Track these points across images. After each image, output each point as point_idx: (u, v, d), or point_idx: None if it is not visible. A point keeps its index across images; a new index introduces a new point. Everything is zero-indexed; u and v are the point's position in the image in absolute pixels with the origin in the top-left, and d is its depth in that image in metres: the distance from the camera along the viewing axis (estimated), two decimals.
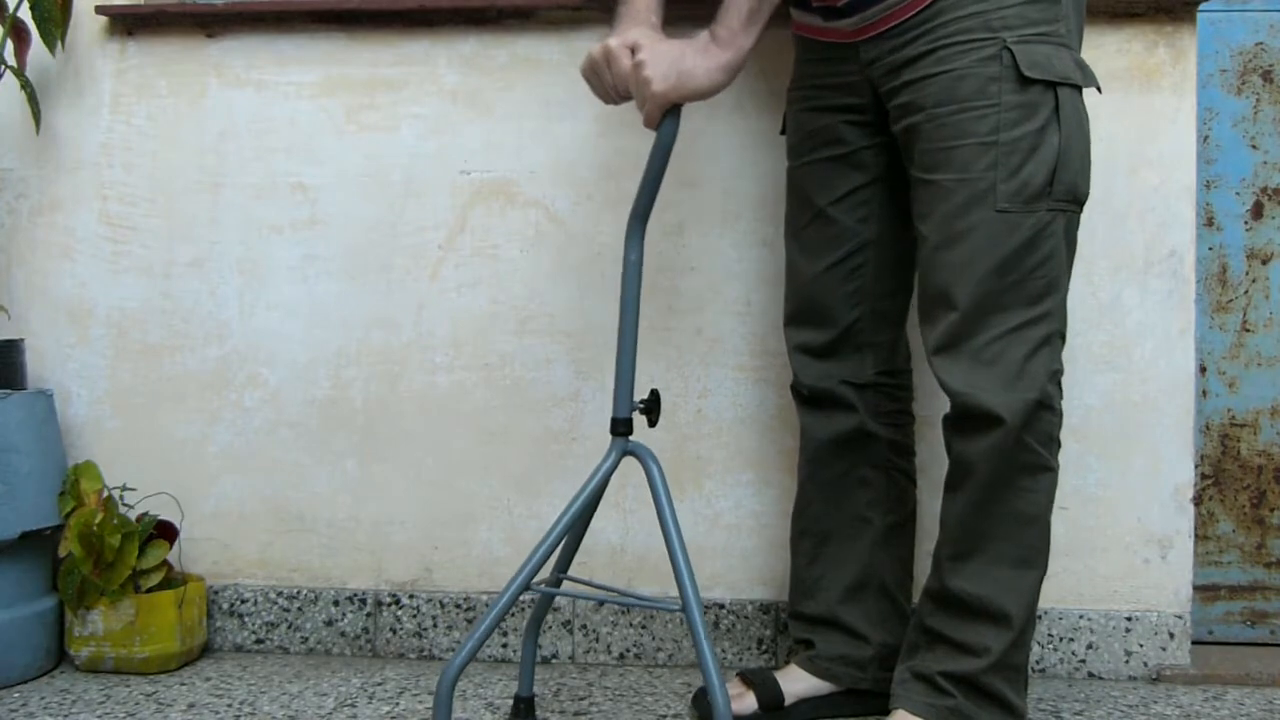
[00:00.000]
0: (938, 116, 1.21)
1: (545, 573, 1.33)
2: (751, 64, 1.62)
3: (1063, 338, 1.25)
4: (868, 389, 1.41)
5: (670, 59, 1.18)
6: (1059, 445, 1.25)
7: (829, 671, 1.42)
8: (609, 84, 1.25)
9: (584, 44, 1.60)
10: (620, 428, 1.27)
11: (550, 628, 1.67)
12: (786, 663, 1.48)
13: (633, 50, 1.20)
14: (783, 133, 1.47)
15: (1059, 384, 1.24)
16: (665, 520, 1.20)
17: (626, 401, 1.27)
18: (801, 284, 1.42)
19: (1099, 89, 1.27)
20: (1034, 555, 1.25)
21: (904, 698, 1.26)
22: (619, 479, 1.67)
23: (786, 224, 1.46)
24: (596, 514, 1.67)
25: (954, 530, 1.26)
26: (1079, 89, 1.22)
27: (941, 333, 1.22)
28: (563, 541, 1.28)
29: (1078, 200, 1.23)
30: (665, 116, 1.21)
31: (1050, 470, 1.24)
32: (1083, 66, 1.23)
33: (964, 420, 1.22)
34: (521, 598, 1.31)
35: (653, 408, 1.26)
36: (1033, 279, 1.20)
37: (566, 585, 1.37)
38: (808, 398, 1.44)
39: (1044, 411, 1.21)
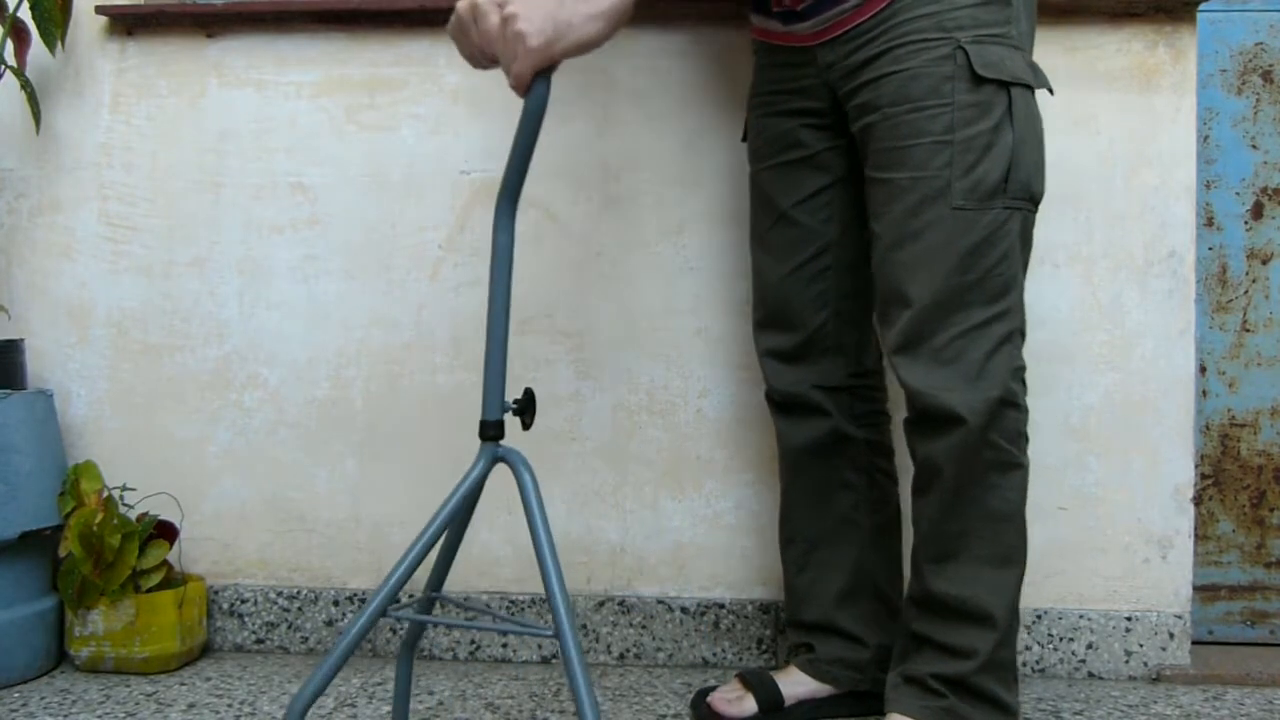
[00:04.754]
0: (892, 115, 1.21)
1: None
2: (751, 63, 1.63)
3: (1022, 335, 1.24)
4: (840, 392, 1.41)
5: (545, 10, 1.05)
6: (1027, 440, 1.25)
7: (828, 674, 1.41)
8: (476, 44, 1.12)
9: None
10: (490, 431, 1.13)
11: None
12: (786, 663, 1.48)
13: (501, 4, 1.07)
14: (744, 139, 1.46)
15: (1022, 380, 1.24)
16: (537, 533, 1.08)
17: (497, 402, 1.14)
18: (768, 288, 1.42)
19: (1050, 90, 1.27)
20: (1012, 553, 1.24)
21: (897, 702, 1.26)
22: (617, 478, 1.67)
23: (751, 229, 1.45)
24: (594, 513, 1.68)
25: (931, 533, 1.25)
26: (1031, 90, 1.22)
27: (900, 332, 1.22)
28: (438, 557, 1.21)
29: (1033, 199, 1.23)
30: (536, 79, 1.07)
31: (1020, 467, 1.23)
32: (1034, 68, 1.24)
33: (926, 421, 1.22)
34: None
35: (527, 408, 1.15)
36: (991, 277, 1.19)
37: (459, 606, 1.28)
38: (780, 404, 1.44)
39: (1008, 409, 1.21)
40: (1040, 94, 1.25)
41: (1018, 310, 1.23)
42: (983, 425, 1.19)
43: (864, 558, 1.42)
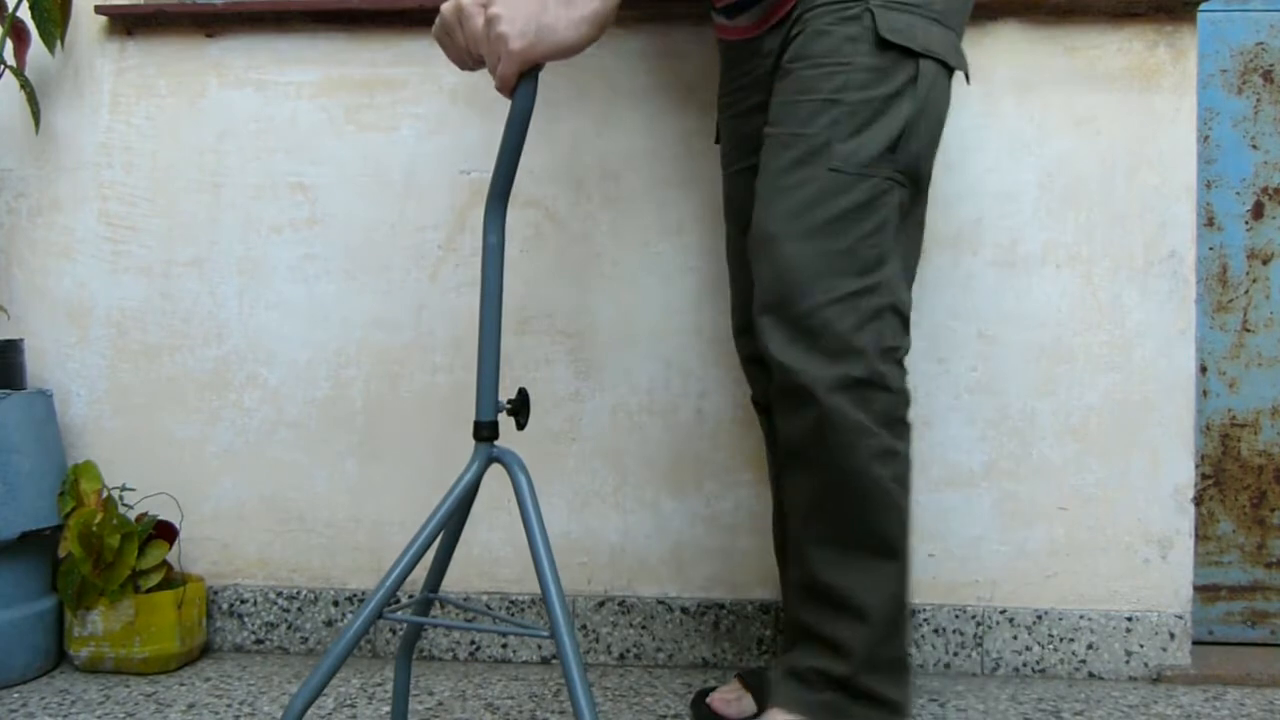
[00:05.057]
0: (791, 71, 1.18)
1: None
2: None
3: (898, 314, 1.16)
4: None
5: (528, 12, 1.05)
6: (908, 427, 1.17)
7: None
8: (462, 46, 1.11)
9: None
10: (484, 432, 1.12)
11: None
12: None
13: (485, 6, 1.08)
14: (717, 142, 1.45)
15: (897, 361, 1.16)
16: (532, 533, 1.07)
17: (490, 403, 1.12)
18: (744, 294, 1.40)
19: (967, 77, 1.24)
20: (889, 545, 1.15)
21: (777, 695, 1.19)
22: (617, 478, 1.67)
23: (726, 234, 1.43)
24: (594, 513, 1.68)
25: (807, 518, 1.18)
26: (947, 70, 1.19)
27: (766, 290, 1.16)
28: (434, 558, 1.21)
29: (916, 178, 1.18)
30: (521, 80, 1.08)
31: (896, 454, 1.14)
32: (955, 48, 1.20)
33: (785, 395, 1.15)
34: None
35: (521, 408, 1.13)
36: (862, 247, 1.13)
37: (453, 608, 1.34)
38: (766, 408, 1.43)
39: (876, 391, 1.12)
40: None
41: (891, 288, 1.15)
42: (845, 406, 1.11)
43: None
